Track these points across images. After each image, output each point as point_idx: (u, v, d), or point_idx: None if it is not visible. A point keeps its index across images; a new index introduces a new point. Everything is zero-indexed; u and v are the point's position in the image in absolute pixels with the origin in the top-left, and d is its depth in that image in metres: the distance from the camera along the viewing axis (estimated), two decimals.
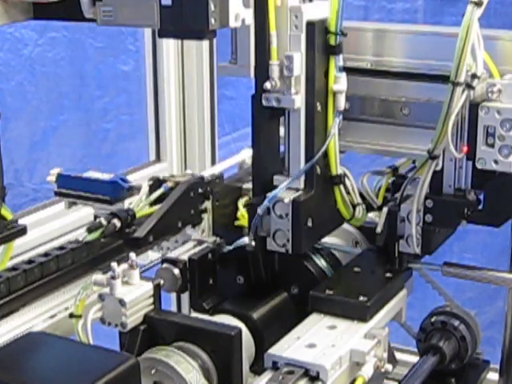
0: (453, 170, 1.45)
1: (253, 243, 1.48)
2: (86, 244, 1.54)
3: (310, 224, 1.44)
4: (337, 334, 1.36)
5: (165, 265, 1.52)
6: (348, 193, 1.53)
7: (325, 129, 1.45)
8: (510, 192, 1.42)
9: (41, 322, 1.43)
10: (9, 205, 1.56)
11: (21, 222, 1.59)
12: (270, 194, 1.44)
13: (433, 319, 1.68)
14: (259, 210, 1.45)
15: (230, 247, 1.56)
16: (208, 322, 1.37)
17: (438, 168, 1.45)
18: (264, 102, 1.42)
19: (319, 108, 1.42)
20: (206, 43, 2.64)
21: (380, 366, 1.34)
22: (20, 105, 3.20)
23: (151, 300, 1.36)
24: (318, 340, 1.34)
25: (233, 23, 1.28)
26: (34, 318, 1.44)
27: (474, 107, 1.38)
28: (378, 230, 1.53)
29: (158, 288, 1.37)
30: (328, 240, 1.67)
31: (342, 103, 1.45)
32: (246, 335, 1.41)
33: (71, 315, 1.32)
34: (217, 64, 1.55)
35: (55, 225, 2.30)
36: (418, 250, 1.50)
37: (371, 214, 1.80)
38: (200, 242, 1.57)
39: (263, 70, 1.40)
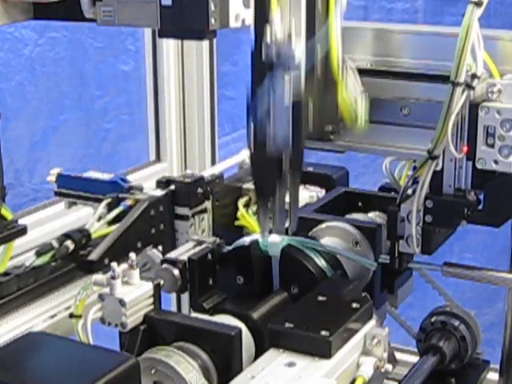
0: (453, 170, 1.45)
1: (252, 147, 1.37)
2: (33, 269, 1.47)
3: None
4: (295, 372, 1.24)
5: (164, 265, 1.51)
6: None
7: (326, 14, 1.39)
8: (509, 192, 1.42)
9: (41, 322, 1.43)
10: (9, 205, 1.56)
11: (21, 222, 1.59)
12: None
13: (433, 319, 1.68)
14: (259, 113, 1.35)
15: (230, 247, 1.56)
16: (208, 321, 1.37)
17: (438, 168, 1.45)
18: (263, 57, 1.30)
19: None
20: (206, 43, 2.64)
21: (380, 366, 1.34)
22: (20, 105, 3.20)
23: (151, 300, 1.35)
24: (273, 380, 1.22)
25: (233, 23, 1.28)
26: (33, 317, 1.44)
27: (473, 107, 1.38)
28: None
29: (157, 288, 1.36)
30: (328, 240, 1.67)
31: None
32: (246, 335, 1.40)
33: (71, 315, 1.32)
34: None
35: (55, 225, 2.30)
36: (417, 250, 1.50)
37: (371, 214, 1.80)
38: (200, 242, 1.55)
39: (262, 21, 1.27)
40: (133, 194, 1.66)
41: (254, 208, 1.80)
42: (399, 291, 1.76)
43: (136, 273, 1.34)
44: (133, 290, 1.32)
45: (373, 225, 1.69)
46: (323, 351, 1.27)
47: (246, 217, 1.77)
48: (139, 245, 1.59)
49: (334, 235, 1.68)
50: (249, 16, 1.31)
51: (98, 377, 1.05)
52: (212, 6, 1.23)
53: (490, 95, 1.37)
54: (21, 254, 1.87)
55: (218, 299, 1.52)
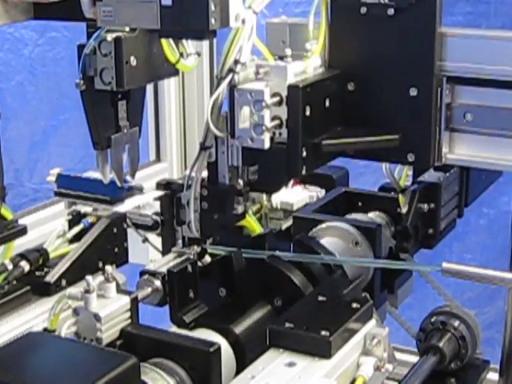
0: (225, 160, 1.45)
1: (81, 82, 1.49)
2: None
3: (133, 63, 1.47)
4: (295, 372, 1.24)
5: (144, 277, 1.45)
6: (182, 44, 1.52)
7: None
8: (274, 165, 1.41)
9: (41, 322, 1.43)
10: (9, 205, 1.56)
11: (21, 222, 1.59)
12: (94, 34, 1.46)
13: (433, 319, 1.68)
14: (86, 50, 1.47)
15: (209, 259, 1.52)
16: (185, 337, 1.33)
17: (212, 159, 1.45)
18: None
19: None
20: (206, 43, 2.64)
21: (380, 366, 1.34)
22: (20, 105, 3.19)
23: (128, 314, 1.31)
24: (274, 380, 1.22)
25: (233, 23, 1.28)
26: (33, 317, 1.44)
27: (231, 90, 1.37)
28: (404, 210, 1.56)
29: (135, 302, 1.32)
30: (328, 240, 1.67)
31: None
32: (227, 350, 1.37)
33: (45, 330, 1.29)
34: None
35: (55, 225, 2.29)
36: (197, 235, 1.49)
37: (371, 214, 1.80)
38: (180, 254, 1.50)
39: None
40: (95, 211, 1.63)
41: (253, 208, 1.80)
42: (399, 291, 1.76)
43: (112, 286, 1.30)
44: (109, 304, 1.28)
45: (373, 225, 1.69)
46: (323, 351, 1.27)
47: (246, 217, 1.77)
48: (100, 265, 1.54)
49: (334, 235, 1.68)
50: (249, 16, 1.31)
51: (98, 377, 1.05)
52: (212, 6, 1.22)
53: (257, 76, 1.37)
54: None
55: (199, 312, 1.46)
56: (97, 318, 1.26)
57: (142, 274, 1.45)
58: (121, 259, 1.59)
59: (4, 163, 1.53)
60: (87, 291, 1.27)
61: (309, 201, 1.83)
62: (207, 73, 2.74)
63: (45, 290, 1.45)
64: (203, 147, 1.45)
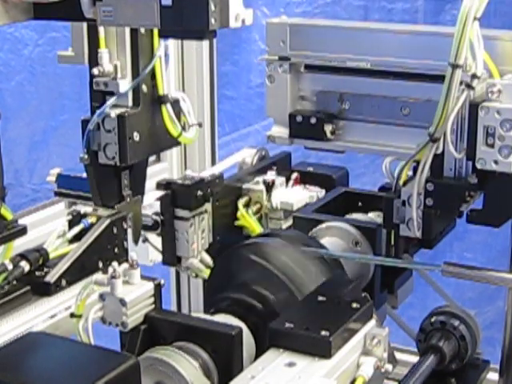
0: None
1: (86, 157, 1.51)
2: None
3: (136, 138, 1.49)
4: (295, 372, 1.23)
5: None
6: (184, 115, 1.56)
7: (151, 51, 1.49)
8: (509, 192, 1.41)
9: (41, 322, 1.43)
10: (9, 205, 1.56)
11: (21, 222, 1.59)
12: (98, 111, 1.48)
13: (433, 319, 1.68)
14: (90, 126, 1.49)
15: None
16: (209, 321, 1.37)
17: (439, 151, 1.44)
18: (94, 86, 1.50)
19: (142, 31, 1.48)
20: (205, 43, 2.64)
21: (380, 366, 1.34)
22: (20, 105, 3.19)
23: (152, 300, 1.35)
24: (273, 380, 1.21)
25: (233, 23, 1.28)
26: (34, 317, 1.44)
27: (473, 107, 1.38)
28: None
29: (158, 288, 1.36)
30: (328, 240, 1.67)
31: None
32: (247, 335, 1.40)
33: (72, 315, 1.32)
34: (57, 53, 1.61)
35: (55, 225, 2.29)
36: (418, 234, 1.49)
37: (371, 214, 1.80)
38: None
39: (94, 57, 1.49)
40: (95, 211, 1.63)
41: (254, 208, 1.81)
42: (399, 291, 1.76)
43: (137, 272, 1.34)
44: (134, 290, 1.32)
45: (373, 225, 1.69)
46: (323, 351, 1.27)
47: (246, 217, 1.77)
48: (100, 265, 1.55)
49: (333, 235, 1.68)
50: (249, 16, 1.32)
51: (97, 377, 1.05)
52: (212, 6, 1.23)
53: (489, 95, 1.36)
54: None
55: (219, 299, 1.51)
56: (122, 302, 1.30)
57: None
58: (121, 259, 1.57)
59: (4, 163, 1.53)
60: (113, 277, 1.30)
61: (309, 201, 1.83)
62: (207, 73, 2.73)
63: (45, 290, 1.45)
64: (432, 139, 1.42)
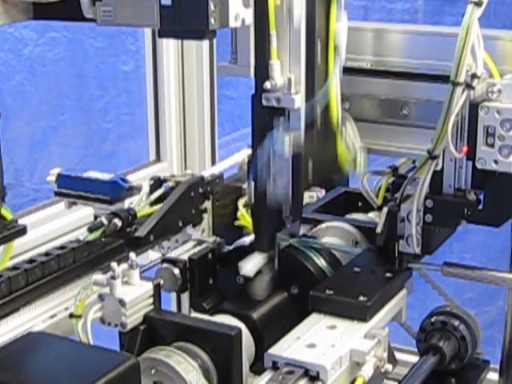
0: (453, 169, 1.45)
1: (253, 194, 1.49)
2: (87, 243, 1.53)
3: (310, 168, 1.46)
4: (337, 333, 1.35)
5: (165, 265, 1.51)
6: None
7: (326, 67, 1.44)
8: (509, 192, 1.42)
9: (41, 322, 1.43)
10: (9, 205, 1.56)
11: (21, 222, 1.59)
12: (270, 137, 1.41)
13: (433, 319, 1.68)
14: (262, 153, 1.43)
15: (230, 247, 1.56)
16: (208, 322, 1.37)
17: (438, 168, 1.45)
18: (264, 102, 1.42)
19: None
20: (206, 43, 2.64)
21: (380, 366, 1.34)
22: (20, 105, 3.20)
23: (151, 300, 1.35)
24: (317, 340, 1.32)
25: (233, 23, 1.28)
26: (34, 317, 1.44)
27: (473, 107, 1.38)
28: (378, 230, 1.53)
29: (157, 288, 1.36)
30: (328, 240, 1.67)
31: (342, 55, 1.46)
32: (246, 335, 1.40)
33: (71, 315, 1.32)
34: (217, 64, 1.56)
35: (55, 225, 2.30)
36: (417, 250, 1.50)
37: (371, 214, 1.80)
38: (200, 242, 1.57)
39: (263, 69, 1.40)
40: (174, 176, 1.72)
41: None
42: None
43: (136, 273, 1.34)
44: (133, 290, 1.32)
45: (373, 225, 1.69)
46: (362, 315, 1.38)
47: (246, 217, 1.77)
48: (180, 224, 1.64)
49: (333, 235, 1.68)
50: (249, 16, 1.32)
51: (97, 377, 1.05)
52: (212, 6, 1.23)
53: (489, 95, 1.36)
54: (22, 253, 1.88)
55: (218, 299, 1.52)
56: (122, 303, 1.30)
57: (162, 262, 1.53)
58: (198, 220, 1.69)
59: (4, 163, 1.53)
60: (112, 277, 1.30)
61: (309, 201, 1.83)
62: (207, 73, 2.73)
63: (136, 243, 1.54)
64: (431, 156, 1.43)
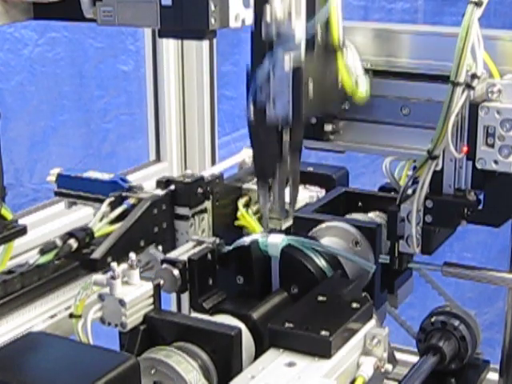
0: (453, 170, 1.45)
1: (252, 113, 1.37)
2: (37, 267, 1.47)
3: (310, 91, 1.34)
4: (295, 372, 1.23)
5: (164, 265, 1.50)
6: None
7: None
8: (509, 192, 1.42)
9: (41, 322, 1.43)
10: (9, 205, 1.56)
11: (21, 222, 1.59)
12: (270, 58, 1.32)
13: (433, 319, 1.68)
14: (260, 74, 1.33)
15: (230, 247, 1.56)
16: (208, 322, 1.37)
17: (438, 168, 1.45)
18: (263, 36, 1.31)
19: None
20: (206, 43, 2.64)
21: (380, 366, 1.34)
22: (20, 105, 3.20)
23: (151, 300, 1.35)
24: (274, 380, 1.21)
25: (233, 23, 1.28)
26: (33, 317, 1.44)
27: (473, 107, 1.38)
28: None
29: (158, 288, 1.36)
30: (328, 240, 1.67)
31: None
32: (246, 335, 1.40)
33: (71, 315, 1.32)
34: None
35: (55, 225, 2.30)
36: (417, 250, 1.50)
37: (371, 214, 1.80)
38: (200, 242, 1.55)
39: None
40: (136, 193, 1.66)
41: (253, 208, 1.81)
42: (399, 291, 1.76)
43: (136, 273, 1.34)
44: (133, 290, 1.32)
45: (373, 225, 1.69)
46: (323, 351, 1.27)
47: (246, 217, 1.77)
48: (142, 243, 1.59)
49: (334, 235, 1.68)
50: (249, 16, 1.31)
51: (97, 377, 1.05)
52: (212, 6, 1.23)
53: (489, 95, 1.36)
54: (22, 253, 1.88)
55: (217, 299, 1.51)
56: (122, 303, 1.29)
57: (162, 262, 1.50)
58: (161, 239, 1.64)
59: (4, 163, 1.53)
60: (112, 277, 1.30)
61: (309, 201, 1.83)
62: (207, 73, 2.73)
63: (92, 265, 1.49)
64: (431, 156, 1.42)
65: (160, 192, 1.67)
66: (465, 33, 1.36)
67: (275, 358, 1.27)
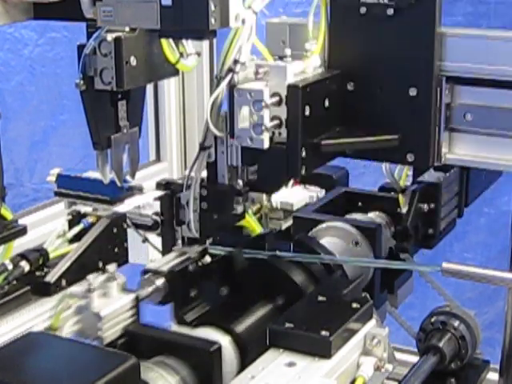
0: (224, 161, 1.45)
1: (82, 82, 1.48)
2: None
3: (133, 63, 1.46)
4: (295, 372, 1.23)
5: (146, 275, 1.44)
6: (182, 44, 1.51)
7: None
8: (274, 165, 1.41)
9: (41, 322, 1.43)
10: (9, 205, 1.56)
11: (21, 222, 1.59)
12: (94, 35, 1.45)
13: (433, 319, 1.68)
14: (86, 50, 1.46)
15: (209, 259, 1.52)
16: (187, 336, 1.33)
17: (211, 160, 1.45)
18: None
19: None
20: (205, 43, 2.64)
21: (380, 366, 1.34)
22: (20, 105, 3.19)
23: (131, 312, 1.31)
24: (274, 380, 1.21)
25: (233, 23, 1.28)
26: (34, 317, 1.44)
27: (231, 90, 1.37)
28: (404, 210, 1.58)
29: (137, 301, 1.32)
30: (328, 240, 1.67)
31: None
32: (229, 349, 1.37)
33: (49, 328, 1.30)
34: None
35: (55, 225, 2.29)
36: (197, 234, 1.50)
37: (371, 214, 1.80)
38: (181, 253, 1.49)
39: None
40: (95, 211, 1.62)
41: (253, 208, 1.80)
42: (399, 291, 1.76)
43: (114, 285, 1.31)
44: (110, 303, 1.29)
45: (373, 225, 1.69)
46: (323, 351, 1.27)
47: (246, 217, 1.77)
48: (100, 265, 1.52)
49: (333, 235, 1.68)
50: (249, 16, 1.32)
51: (97, 377, 1.05)
52: (212, 6, 1.22)
53: (257, 76, 1.37)
54: None
55: (200, 311, 1.47)
56: (98, 317, 1.26)
57: (144, 272, 1.45)
58: (121, 259, 1.58)
59: (4, 163, 1.53)
60: (89, 290, 1.27)
61: (309, 201, 1.83)
62: (207, 73, 2.74)
63: (45, 289, 1.44)
64: (202, 147, 1.45)
65: (123, 208, 1.64)
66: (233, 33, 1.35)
67: (275, 358, 1.27)
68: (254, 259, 1.52)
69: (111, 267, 1.31)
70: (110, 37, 1.44)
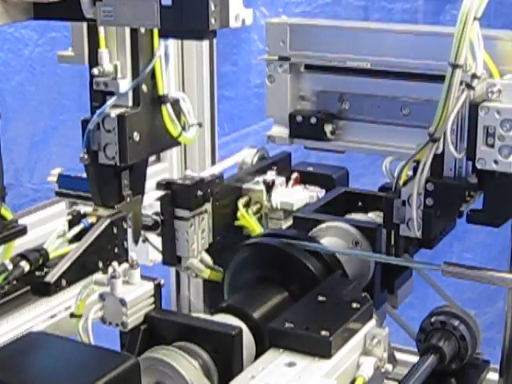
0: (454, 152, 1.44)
1: (86, 156, 1.50)
2: None
3: (136, 138, 1.48)
4: (295, 372, 1.24)
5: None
6: (184, 115, 1.55)
7: (151, 51, 1.48)
8: (509, 192, 1.41)
9: (41, 322, 1.43)
10: (9, 205, 1.56)
11: (21, 222, 1.59)
12: (98, 111, 1.47)
13: (433, 319, 1.68)
14: (90, 126, 1.48)
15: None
16: (209, 321, 1.37)
17: (439, 151, 1.45)
18: (94, 86, 1.48)
19: (142, 30, 1.46)
20: (205, 43, 2.64)
21: (380, 366, 1.34)
22: (20, 105, 3.19)
23: (152, 299, 1.35)
24: (274, 380, 1.22)
25: (233, 23, 1.28)
26: (34, 317, 1.44)
27: (473, 107, 1.38)
28: None
29: (158, 287, 1.36)
30: (328, 240, 1.67)
31: None
32: (247, 335, 1.40)
33: (72, 315, 1.32)
34: (57, 53, 1.61)
35: (55, 225, 2.29)
36: (418, 234, 1.49)
37: (371, 214, 1.80)
38: None
39: (94, 57, 1.48)
40: (95, 211, 1.61)
41: (254, 208, 1.81)
42: (399, 291, 1.76)
43: (137, 272, 1.34)
44: (133, 290, 1.33)
45: (373, 225, 1.69)
46: (323, 351, 1.27)
47: (246, 217, 1.77)
48: (100, 265, 1.52)
49: (334, 235, 1.68)
50: (249, 16, 1.32)
51: (97, 377, 1.05)
52: (212, 6, 1.23)
53: (489, 95, 1.36)
54: None
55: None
56: (122, 302, 1.30)
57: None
58: (121, 259, 1.57)
59: (4, 163, 1.53)
60: (113, 277, 1.31)
61: (309, 201, 1.83)
62: (207, 73, 2.73)
63: (45, 290, 1.44)
64: (432, 139, 1.42)
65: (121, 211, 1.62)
66: (464, 16, 1.36)
67: (275, 358, 1.28)
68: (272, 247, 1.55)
69: (134, 254, 1.35)
70: (113, 113, 1.46)
